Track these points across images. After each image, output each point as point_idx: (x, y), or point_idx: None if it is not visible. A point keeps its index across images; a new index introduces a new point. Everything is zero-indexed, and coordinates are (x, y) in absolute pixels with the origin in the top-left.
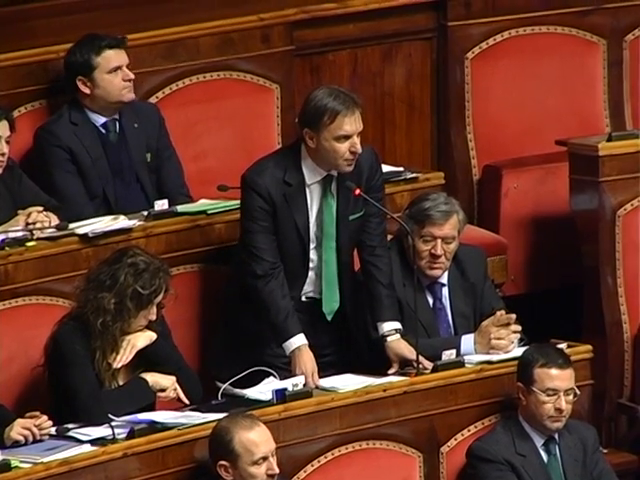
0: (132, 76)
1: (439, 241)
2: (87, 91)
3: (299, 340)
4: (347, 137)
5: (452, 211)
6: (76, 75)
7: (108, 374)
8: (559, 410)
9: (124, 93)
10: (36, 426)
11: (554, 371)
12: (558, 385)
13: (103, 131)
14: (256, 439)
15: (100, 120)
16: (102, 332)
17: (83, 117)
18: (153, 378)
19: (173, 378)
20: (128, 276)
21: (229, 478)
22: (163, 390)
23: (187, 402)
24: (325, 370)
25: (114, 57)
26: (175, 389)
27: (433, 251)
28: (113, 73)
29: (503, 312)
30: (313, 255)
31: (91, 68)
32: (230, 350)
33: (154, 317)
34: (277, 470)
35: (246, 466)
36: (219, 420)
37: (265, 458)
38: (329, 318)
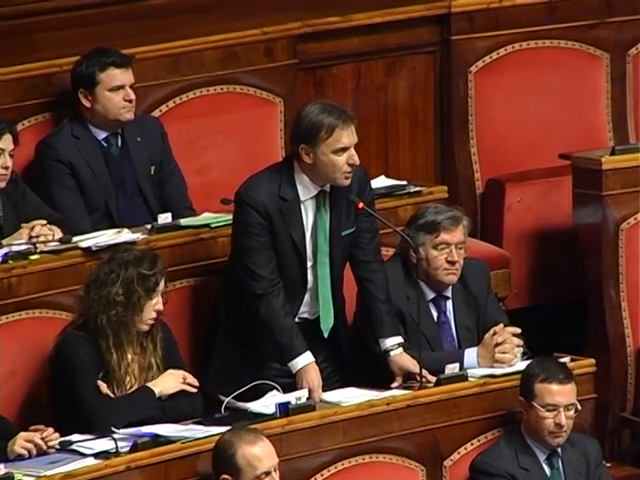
0: (133, 97)
1: (453, 247)
2: (88, 104)
3: (306, 359)
4: (345, 149)
5: (460, 216)
6: (79, 87)
7: (128, 372)
8: (559, 425)
9: (122, 112)
10: (42, 439)
11: (554, 386)
12: (558, 401)
13: (105, 145)
14: (259, 454)
15: (102, 134)
16: (118, 324)
17: (85, 131)
18: (159, 388)
19: (178, 375)
20: (129, 265)
21: None
22: (173, 395)
23: (197, 384)
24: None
25: (118, 76)
26: (185, 382)
27: (450, 258)
28: (115, 92)
29: (502, 325)
30: (310, 275)
31: (94, 83)
32: (226, 367)
33: (161, 307)
34: None
35: None
36: (222, 434)
37: (268, 473)
38: (326, 335)
